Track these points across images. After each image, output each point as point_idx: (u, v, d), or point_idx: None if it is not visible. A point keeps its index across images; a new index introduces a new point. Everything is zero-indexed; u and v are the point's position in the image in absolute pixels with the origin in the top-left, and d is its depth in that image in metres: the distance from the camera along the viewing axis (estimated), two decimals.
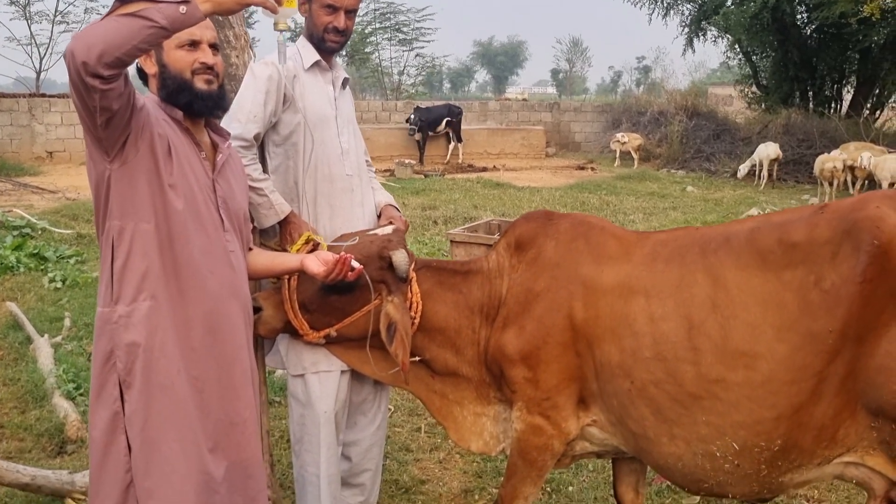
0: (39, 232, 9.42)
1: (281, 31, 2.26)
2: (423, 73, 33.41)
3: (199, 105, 2.26)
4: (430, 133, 19.99)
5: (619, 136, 20.19)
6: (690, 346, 2.33)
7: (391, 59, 31.04)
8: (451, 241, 6.67)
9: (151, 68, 2.26)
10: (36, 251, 8.23)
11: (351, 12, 2.86)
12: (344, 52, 33.43)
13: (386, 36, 30.81)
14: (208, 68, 2.25)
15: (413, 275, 2.78)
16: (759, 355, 2.25)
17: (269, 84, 2.76)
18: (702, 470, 2.40)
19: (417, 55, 31.50)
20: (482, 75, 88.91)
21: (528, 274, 2.68)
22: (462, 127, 21.16)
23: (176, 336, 2.17)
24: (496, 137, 22.00)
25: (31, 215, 10.05)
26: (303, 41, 2.93)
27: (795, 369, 2.22)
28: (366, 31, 30.55)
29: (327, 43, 2.86)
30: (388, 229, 2.84)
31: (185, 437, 2.19)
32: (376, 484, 3.23)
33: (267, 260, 2.61)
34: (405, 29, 30.90)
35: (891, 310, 2.14)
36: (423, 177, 17.01)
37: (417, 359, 2.83)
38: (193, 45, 2.23)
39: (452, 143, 20.10)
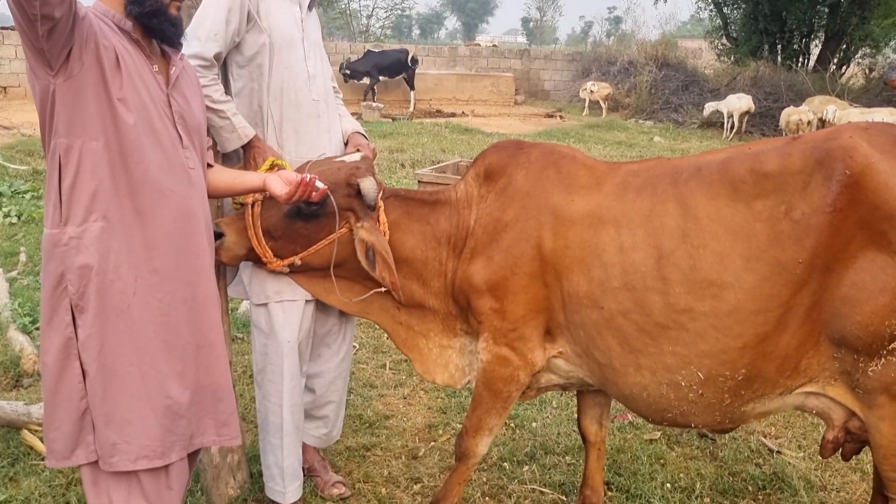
0: None
1: None
2: (392, 16, 32.76)
3: (171, 32, 2.17)
4: (382, 79, 19.65)
5: (588, 84, 20.10)
6: (659, 276, 2.31)
7: (360, 1, 30.37)
8: (419, 182, 6.59)
9: None
10: None
11: None
12: None
13: None
14: None
15: (381, 203, 2.72)
16: (727, 285, 2.24)
17: (232, 1, 2.64)
18: (666, 399, 2.41)
19: None
20: (452, 22, 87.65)
21: (497, 204, 2.63)
22: (432, 72, 20.83)
23: (132, 258, 2.08)
24: (465, 83, 21.75)
25: None
26: None
27: (762, 299, 2.22)
28: None
29: None
30: (357, 156, 2.76)
31: (143, 360, 2.12)
32: (340, 417, 3.21)
33: (229, 178, 2.52)
34: None
35: (859, 240, 2.13)
36: (390, 120, 16.80)
37: (383, 289, 2.78)
38: None
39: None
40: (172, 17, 2.17)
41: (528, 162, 2.64)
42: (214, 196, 2.56)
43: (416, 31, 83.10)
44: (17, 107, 15.97)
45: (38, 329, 4.49)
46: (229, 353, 2.92)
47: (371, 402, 3.98)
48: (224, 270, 2.87)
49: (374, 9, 30.76)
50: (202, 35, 2.62)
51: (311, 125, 2.87)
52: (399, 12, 33.83)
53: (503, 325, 2.61)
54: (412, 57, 19.68)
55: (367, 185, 2.60)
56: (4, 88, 17.77)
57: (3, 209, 7.34)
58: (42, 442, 3.03)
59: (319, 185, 2.47)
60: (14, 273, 5.59)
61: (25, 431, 3.39)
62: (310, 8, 2.94)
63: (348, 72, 19.13)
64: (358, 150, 2.87)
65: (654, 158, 2.58)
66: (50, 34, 1.84)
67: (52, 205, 2.04)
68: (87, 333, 2.05)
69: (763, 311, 2.22)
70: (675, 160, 2.51)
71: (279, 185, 2.43)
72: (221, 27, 2.63)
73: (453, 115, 18.99)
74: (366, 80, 19.39)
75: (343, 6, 30.08)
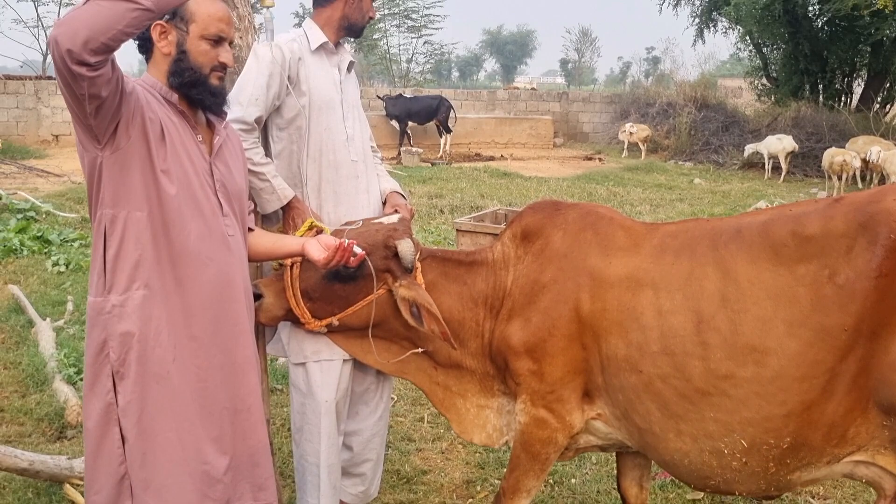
0: (44, 215, 9.40)
1: (267, 7, 2.22)
2: (432, 60, 33.24)
3: (210, 101, 2.22)
4: (411, 124, 19.84)
5: (627, 126, 20.07)
6: (699, 341, 2.28)
7: (399, 45, 30.90)
8: (457, 230, 6.62)
9: (167, 49, 2.16)
10: (40, 234, 8.21)
11: None
12: (351, 39, 33.38)
13: (395, 23, 30.67)
14: (224, 67, 2.22)
15: (418, 265, 2.74)
16: (770, 351, 2.20)
17: (273, 66, 2.71)
18: (708, 467, 2.36)
19: (426, 42, 31.37)
20: (491, 64, 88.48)
21: (535, 265, 2.63)
22: (471, 116, 21.02)
23: (172, 325, 2.12)
24: (504, 127, 21.90)
25: (35, 198, 10.03)
26: (309, 23, 2.88)
27: (806, 365, 2.17)
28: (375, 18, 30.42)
29: (363, 29, 2.95)
30: (394, 217, 2.79)
31: (182, 426, 2.15)
32: (377, 474, 3.19)
33: (269, 242, 2.56)
34: (414, 16, 30.75)
35: None
36: (429, 165, 16.96)
37: (420, 350, 2.79)
38: (219, 41, 2.18)
39: (444, 135, 19.83)
40: (213, 87, 2.22)
41: (565, 223, 2.64)
42: (254, 260, 2.61)
43: (455, 74, 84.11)
44: (67, 154, 16.50)
45: (82, 379, 4.55)
46: (267, 409, 2.93)
47: (409, 457, 3.95)
48: (263, 329, 2.90)
49: (413, 53, 31.24)
50: (243, 100, 2.68)
51: (349, 186, 2.91)
52: (438, 57, 34.27)
53: (541, 386, 2.59)
54: (441, 102, 19.83)
55: (405, 248, 2.62)
56: (56, 137, 18.39)
57: (52, 258, 7.51)
58: (83, 497, 3.06)
59: (357, 250, 2.49)
60: (61, 322, 5.70)
61: (68, 486, 3.43)
62: (348, 70, 3.00)
63: (384, 104, 19.44)
64: (396, 211, 2.90)
65: (693, 219, 2.56)
66: (97, 111, 1.91)
67: (96, 273, 2.10)
68: (127, 400, 2.08)
69: (808, 377, 2.17)
70: (714, 221, 2.49)
71: (318, 250, 2.46)
72: (262, 92, 2.70)
73: (492, 158, 19.10)
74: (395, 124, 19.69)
75: (383, 51, 30.62)
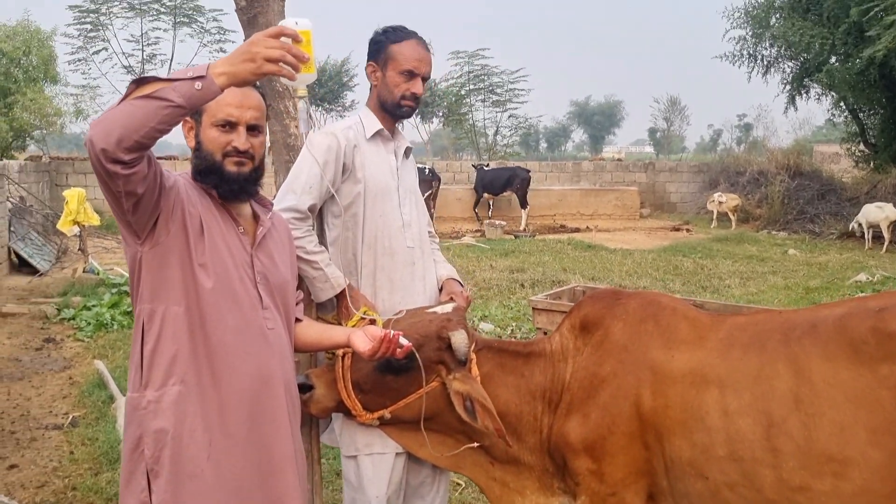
0: None
1: (301, 97, 2.19)
2: (517, 133, 33.55)
3: (224, 189, 2.18)
4: (488, 195, 19.99)
5: (716, 196, 19.62)
6: (769, 447, 2.09)
7: (484, 119, 31.36)
8: (534, 309, 6.49)
9: (191, 142, 2.20)
10: (130, 310, 8.49)
11: (425, 80, 2.83)
12: (440, 113, 34.16)
13: (480, 97, 31.20)
14: (241, 152, 2.17)
15: (473, 356, 2.64)
16: (851, 461, 1.99)
17: (328, 154, 2.72)
18: None
19: (511, 116, 31.74)
20: (579, 135, 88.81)
21: (594, 357, 2.50)
22: (556, 187, 21.00)
23: (207, 422, 2.08)
24: (589, 198, 21.78)
25: None
26: (365, 110, 2.90)
27: (894, 480, 1.94)
28: (461, 93, 31.05)
29: (404, 108, 2.82)
30: (448, 307, 2.71)
31: None
32: None
33: (316, 333, 2.52)
34: (498, 90, 31.23)
35: None
36: (513, 237, 16.92)
37: (476, 444, 2.68)
38: (229, 125, 2.15)
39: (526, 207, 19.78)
40: (228, 174, 2.16)
41: (625, 313, 2.51)
42: (302, 350, 2.57)
43: (543, 145, 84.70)
44: None
45: None
46: (320, 502, 2.86)
47: None
48: (317, 420, 2.85)
49: (498, 126, 31.61)
50: (297, 188, 2.69)
51: (405, 273, 2.86)
52: (524, 130, 34.59)
53: (602, 488, 2.42)
54: (514, 173, 19.87)
55: (458, 340, 2.54)
56: None
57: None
58: None
59: (404, 341, 2.42)
60: None
61: None
62: (406, 156, 2.99)
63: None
64: (451, 299, 2.83)
65: (763, 311, 2.39)
66: (135, 208, 1.93)
67: (133, 369, 2.10)
68: (161, 499, 2.03)
69: None
70: (786, 313, 2.31)
71: (363, 341, 2.41)
72: (316, 180, 2.70)
73: (577, 230, 18.94)
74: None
75: (469, 124, 31.12)
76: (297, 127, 2.80)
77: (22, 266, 12.12)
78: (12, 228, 12.40)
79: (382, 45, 2.81)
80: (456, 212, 20.27)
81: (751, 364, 2.21)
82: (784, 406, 2.10)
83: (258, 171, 2.24)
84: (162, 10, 27.81)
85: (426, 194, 18.08)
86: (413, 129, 37.87)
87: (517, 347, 2.72)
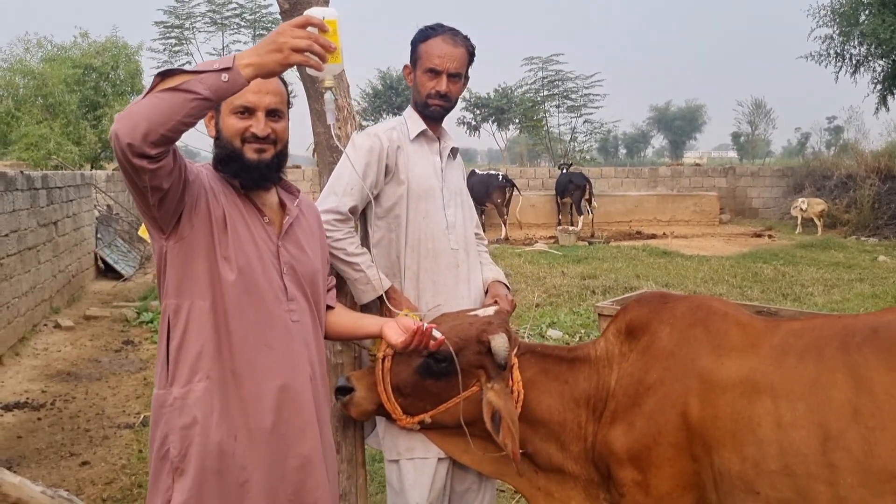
0: None
1: (327, 88, 2.13)
2: (593, 138, 33.15)
3: (245, 177, 2.14)
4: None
5: (799, 201, 18.89)
6: (825, 462, 1.94)
7: (559, 125, 31.10)
8: (599, 314, 6.33)
9: (211, 132, 2.17)
10: None
11: (454, 76, 2.76)
12: (516, 120, 34.10)
13: (554, 103, 30.95)
14: (261, 139, 2.12)
15: (515, 361, 2.57)
16: None
17: (370, 156, 2.69)
18: None
19: (586, 121, 31.37)
20: (659, 140, 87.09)
21: (640, 364, 2.39)
22: (632, 193, 20.62)
23: (232, 418, 2.06)
24: (666, 204, 21.29)
25: None
26: (409, 111, 2.87)
27: None
28: (536, 99, 30.88)
29: (431, 108, 2.78)
30: (490, 311, 2.65)
31: None
32: None
33: (349, 322, 2.48)
34: (573, 95, 30.93)
35: None
36: (587, 244, 16.67)
37: (520, 451, 2.60)
38: (247, 111, 2.10)
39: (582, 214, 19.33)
40: (248, 162, 2.11)
41: (673, 318, 2.39)
42: (334, 339, 2.54)
43: (622, 151, 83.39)
44: None
45: None
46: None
47: None
48: (360, 423, 2.82)
49: (574, 132, 31.28)
50: (339, 190, 2.67)
51: (449, 275, 2.81)
52: (601, 135, 34.14)
53: (647, 500, 2.31)
54: (570, 178, 19.52)
55: (498, 344, 2.46)
56: None
57: None
58: None
59: (437, 334, 2.37)
60: None
61: None
62: (452, 156, 2.94)
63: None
64: (495, 302, 2.76)
65: (822, 316, 2.24)
66: (161, 203, 1.92)
67: (160, 365, 2.09)
68: (184, 497, 2.02)
69: None
70: (846, 318, 2.16)
71: (396, 332, 2.37)
72: (358, 182, 2.67)
73: (653, 236, 18.54)
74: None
75: (544, 131, 30.91)
76: (340, 128, 2.78)
77: (108, 272, 12.61)
78: (99, 235, 12.91)
79: (414, 45, 2.79)
80: (530, 218, 20.13)
81: (806, 372, 2.06)
82: (842, 418, 1.95)
83: (280, 158, 2.19)
84: (242, 23, 28.70)
85: (499, 200, 18.03)
86: (489, 137, 37.95)
87: (561, 353, 2.63)
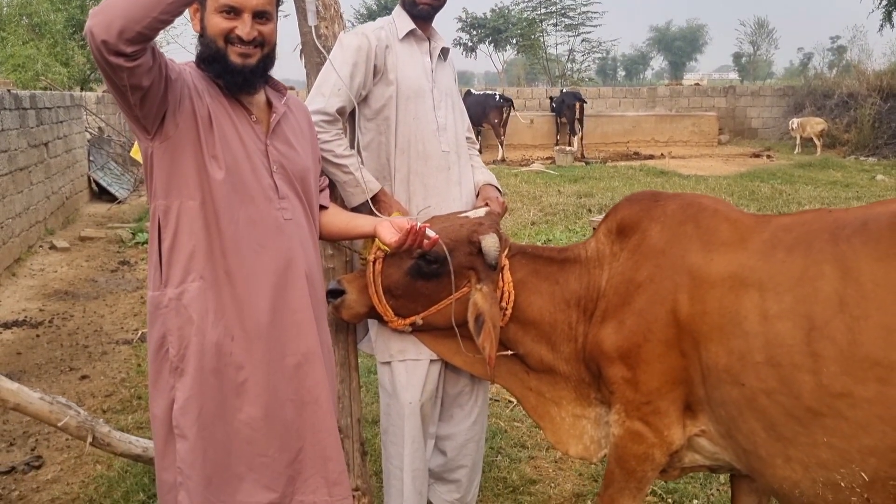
0: None
1: None
2: (590, 57, 32.58)
3: (228, 80, 2.07)
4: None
5: (792, 122, 18.70)
6: (809, 352, 1.95)
7: (556, 45, 30.52)
8: (594, 228, 6.35)
9: (196, 27, 2.09)
10: None
11: None
12: (514, 41, 33.42)
13: (552, 21, 30.29)
14: (245, 42, 2.04)
15: (505, 262, 2.56)
16: None
17: (358, 55, 2.62)
18: (823, 501, 2.02)
19: (584, 40, 30.76)
20: (658, 62, 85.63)
21: (630, 262, 2.39)
22: (630, 113, 20.37)
23: (228, 318, 2.06)
24: (664, 124, 21.07)
25: None
26: (398, 10, 2.79)
27: None
28: (532, 17, 30.22)
29: (419, 7, 2.71)
30: (481, 212, 2.63)
31: (242, 420, 2.10)
32: (474, 482, 3.04)
33: (342, 222, 2.47)
34: (571, 14, 30.24)
35: None
36: (584, 164, 16.57)
37: (510, 353, 2.62)
38: (233, 11, 2.02)
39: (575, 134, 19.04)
40: (232, 65, 2.04)
41: (663, 216, 2.37)
42: (328, 238, 2.53)
43: (621, 73, 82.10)
44: None
45: None
46: (358, 407, 2.86)
47: (518, 465, 3.76)
48: (354, 325, 2.83)
49: (571, 52, 30.71)
50: (326, 90, 2.61)
51: (439, 178, 2.78)
52: (599, 55, 33.56)
53: (636, 396, 2.34)
54: (562, 99, 19.24)
55: (488, 244, 2.46)
56: None
57: None
58: None
59: (430, 233, 2.36)
60: None
61: None
62: (443, 57, 2.87)
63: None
64: (486, 205, 2.74)
65: (812, 210, 2.21)
66: (142, 102, 1.87)
67: (153, 267, 2.08)
68: (186, 396, 2.04)
69: None
70: (837, 212, 2.14)
71: (389, 232, 2.35)
72: (345, 82, 2.61)
73: (651, 157, 18.42)
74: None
75: (541, 51, 30.33)
76: (327, 28, 2.70)
77: (102, 194, 12.55)
78: (91, 158, 12.78)
79: None
80: (526, 139, 19.92)
81: (794, 266, 2.06)
82: (828, 308, 1.95)
83: (267, 62, 2.12)
84: None
85: (496, 121, 17.81)
86: (486, 59, 37.34)
87: (552, 253, 2.62)
